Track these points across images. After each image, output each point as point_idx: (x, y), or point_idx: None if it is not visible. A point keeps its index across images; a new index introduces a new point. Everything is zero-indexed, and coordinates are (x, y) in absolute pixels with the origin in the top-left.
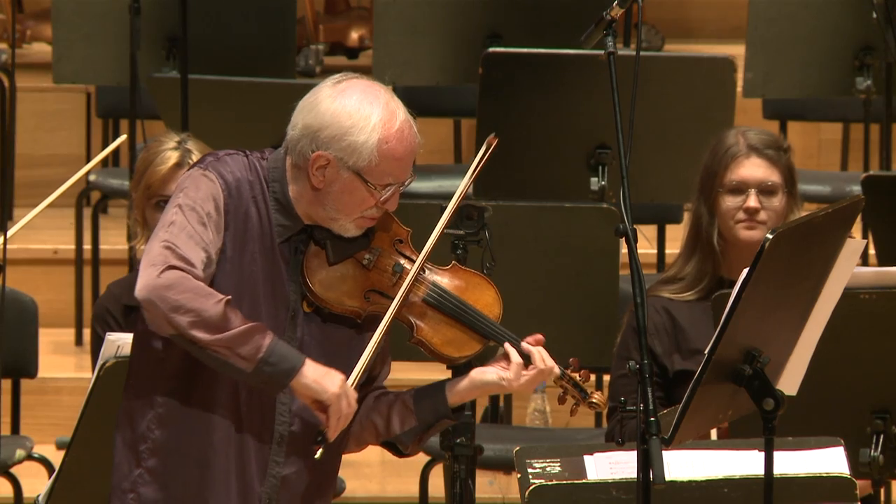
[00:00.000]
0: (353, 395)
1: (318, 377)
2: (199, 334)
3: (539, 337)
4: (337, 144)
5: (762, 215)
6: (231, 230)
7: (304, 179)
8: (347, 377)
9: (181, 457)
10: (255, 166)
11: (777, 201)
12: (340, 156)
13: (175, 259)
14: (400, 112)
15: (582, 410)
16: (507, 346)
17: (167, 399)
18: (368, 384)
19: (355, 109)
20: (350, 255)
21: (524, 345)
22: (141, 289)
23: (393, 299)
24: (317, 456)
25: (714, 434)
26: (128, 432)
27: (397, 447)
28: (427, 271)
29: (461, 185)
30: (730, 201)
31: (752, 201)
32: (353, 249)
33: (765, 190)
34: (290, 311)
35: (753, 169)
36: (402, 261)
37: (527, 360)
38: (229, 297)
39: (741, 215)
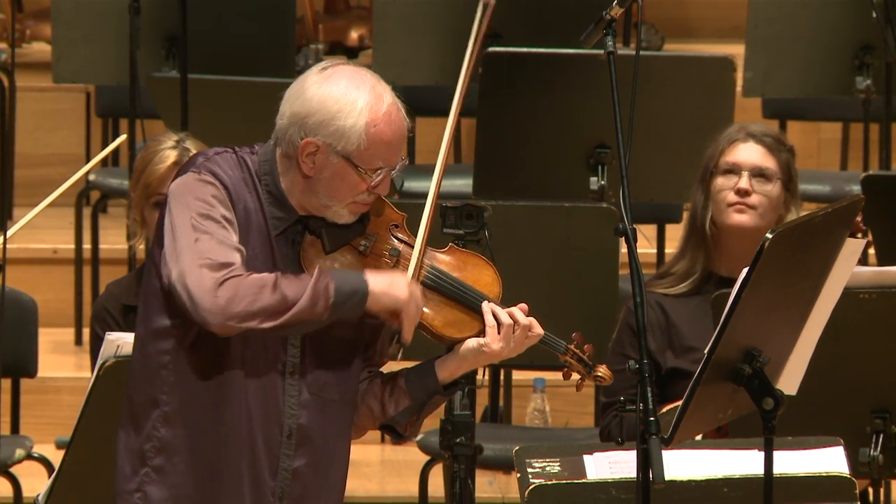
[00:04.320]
0: (418, 292)
1: (386, 288)
2: (274, 323)
3: (522, 306)
4: (325, 130)
5: (754, 199)
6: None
7: (295, 168)
8: (351, 367)
9: (188, 454)
10: (244, 162)
11: (771, 188)
12: (329, 141)
13: (217, 272)
14: (387, 95)
15: (587, 389)
16: (483, 306)
17: (173, 397)
18: (370, 365)
19: (342, 94)
20: (346, 243)
21: (493, 307)
22: (206, 313)
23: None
24: (398, 356)
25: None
26: (131, 433)
27: (396, 430)
28: (425, 254)
29: (462, 75)
30: (722, 182)
31: (744, 182)
32: (348, 237)
33: (759, 175)
34: None
35: (749, 153)
36: (399, 245)
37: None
38: (276, 273)
39: (732, 197)
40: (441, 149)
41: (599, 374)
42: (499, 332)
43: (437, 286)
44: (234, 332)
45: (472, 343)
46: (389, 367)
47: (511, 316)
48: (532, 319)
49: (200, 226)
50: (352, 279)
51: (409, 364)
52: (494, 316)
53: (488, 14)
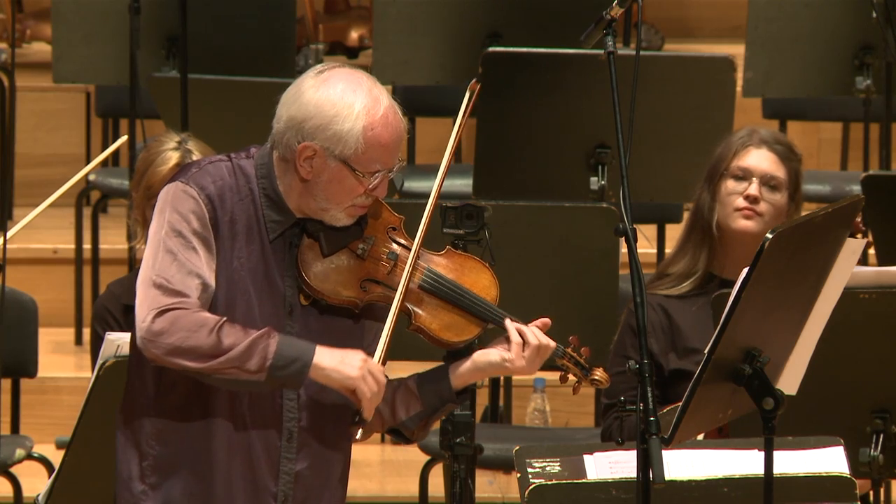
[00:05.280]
0: (378, 369)
1: (335, 364)
2: (202, 365)
3: (546, 321)
4: (322, 134)
5: (762, 206)
6: (218, 240)
7: (293, 172)
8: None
9: (184, 470)
10: (239, 169)
11: (779, 197)
12: (326, 145)
13: (167, 297)
14: (384, 98)
15: (585, 391)
16: (506, 323)
17: (165, 414)
18: None
19: (339, 98)
20: (344, 246)
21: (517, 324)
22: (139, 338)
23: (389, 286)
24: (357, 437)
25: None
26: (129, 442)
27: (403, 434)
28: (422, 257)
29: (447, 151)
30: (732, 185)
31: (754, 189)
32: (346, 240)
33: (768, 183)
34: (287, 307)
35: (761, 160)
36: (397, 248)
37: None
38: (223, 318)
39: (741, 202)
40: (432, 194)
41: (596, 377)
42: (523, 351)
43: (434, 290)
44: (161, 363)
45: (494, 357)
46: (389, 367)
47: (534, 335)
48: (547, 340)
49: (168, 242)
50: (298, 346)
51: (410, 372)
52: (520, 334)
53: (473, 98)
